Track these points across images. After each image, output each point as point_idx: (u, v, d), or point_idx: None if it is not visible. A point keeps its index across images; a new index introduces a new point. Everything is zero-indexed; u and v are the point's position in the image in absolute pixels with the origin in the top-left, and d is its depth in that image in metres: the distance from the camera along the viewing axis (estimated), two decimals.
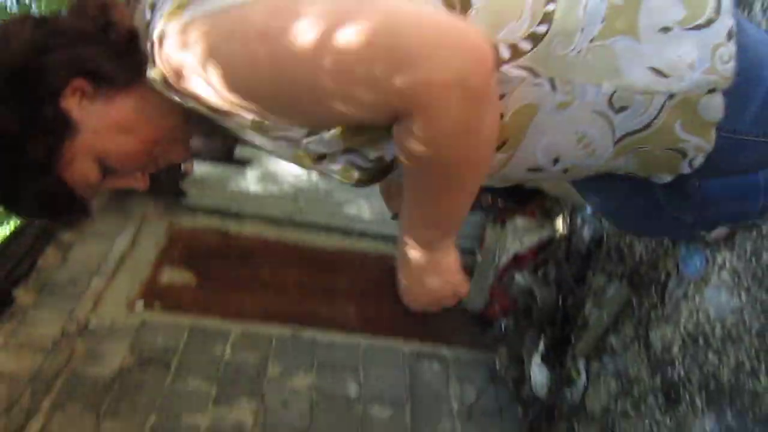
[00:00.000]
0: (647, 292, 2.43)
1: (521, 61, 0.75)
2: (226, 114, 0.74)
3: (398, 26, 0.61)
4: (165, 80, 0.73)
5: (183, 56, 0.68)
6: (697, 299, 2.13)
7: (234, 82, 0.67)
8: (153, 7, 0.73)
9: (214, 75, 0.67)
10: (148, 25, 0.73)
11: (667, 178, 0.88)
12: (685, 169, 0.85)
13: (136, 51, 0.76)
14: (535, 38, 0.74)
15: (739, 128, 0.81)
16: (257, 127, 0.74)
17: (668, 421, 2.19)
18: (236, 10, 0.65)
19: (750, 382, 1.84)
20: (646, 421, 2.30)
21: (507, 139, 0.80)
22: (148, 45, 0.73)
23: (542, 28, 0.74)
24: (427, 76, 0.60)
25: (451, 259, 0.87)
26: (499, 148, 0.82)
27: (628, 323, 2.52)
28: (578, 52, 0.74)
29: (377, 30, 0.61)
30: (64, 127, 0.76)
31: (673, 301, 2.26)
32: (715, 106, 0.78)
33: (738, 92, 0.77)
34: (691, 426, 2.03)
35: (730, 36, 0.76)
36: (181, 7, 0.68)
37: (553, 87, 0.76)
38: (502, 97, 0.75)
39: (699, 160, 0.83)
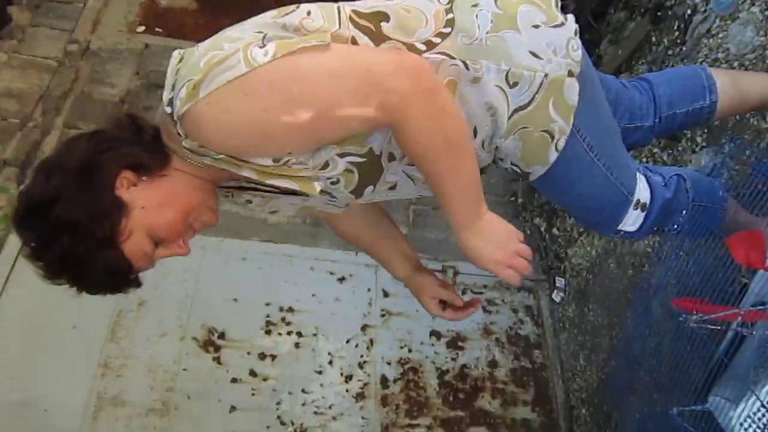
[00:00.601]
0: (669, 28, 2.31)
1: (436, 49, 1.02)
2: (247, 163, 0.95)
3: (363, 71, 0.92)
4: (199, 146, 0.92)
5: (210, 121, 0.90)
6: (720, 36, 2.02)
7: (256, 127, 0.91)
8: (171, 103, 0.92)
9: (240, 127, 0.91)
10: (172, 115, 0.92)
11: (541, 171, 1.15)
12: (553, 155, 1.12)
13: (162, 144, 1.01)
14: (442, 35, 1.03)
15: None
16: (272, 170, 0.96)
17: (665, 156, 2.24)
18: (244, 78, 0.88)
19: (755, 121, 1.85)
20: (644, 158, 2.36)
21: None
22: (178, 126, 0.92)
23: (447, 29, 1.03)
24: (395, 92, 0.91)
25: (494, 222, 1.08)
26: None
27: (642, 62, 2.45)
28: (480, 41, 1.04)
29: (355, 75, 0.92)
30: (119, 208, 0.97)
31: (693, 38, 2.16)
32: (573, 90, 1.08)
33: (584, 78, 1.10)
34: (687, 161, 2.09)
35: (576, 33, 1.10)
36: (195, 88, 0.88)
37: (466, 67, 1.03)
38: None
39: (561, 143, 1.11)
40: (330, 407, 2.45)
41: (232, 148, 0.93)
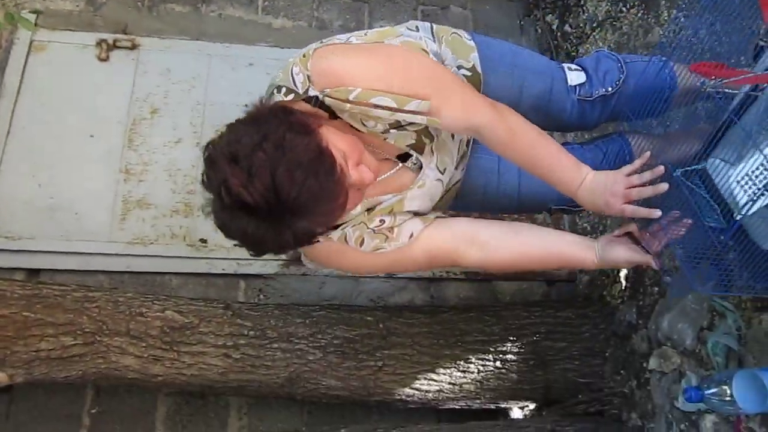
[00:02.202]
0: None
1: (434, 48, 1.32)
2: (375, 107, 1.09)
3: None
4: (332, 91, 1.07)
5: (334, 65, 1.09)
6: None
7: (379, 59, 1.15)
8: (289, 82, 1.11)
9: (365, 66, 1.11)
10: (296, 84, 1.10)
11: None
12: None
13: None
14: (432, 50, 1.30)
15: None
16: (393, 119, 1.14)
17: None
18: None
19: None
20: None
21: None
22: (309, 87, 1.09)
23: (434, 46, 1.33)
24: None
25: (595, 177, 1.20)
26: None
27: None
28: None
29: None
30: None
31: None
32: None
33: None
34: None
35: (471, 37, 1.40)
36: (305, 57, 1.12)
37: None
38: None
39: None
40: None
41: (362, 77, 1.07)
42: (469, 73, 1.34)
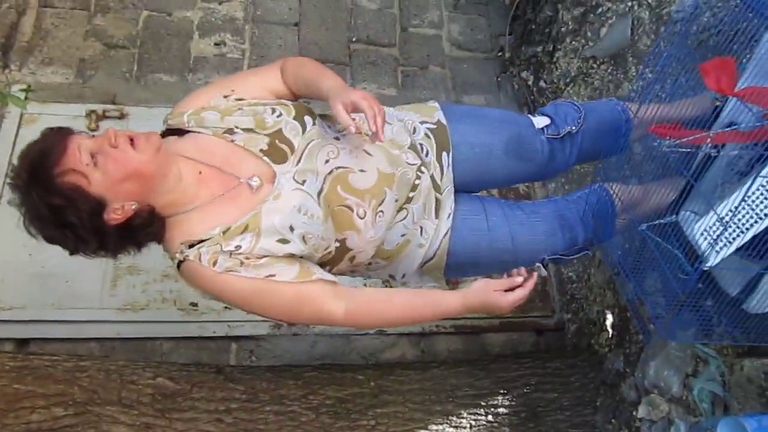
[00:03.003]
0: None
1: None
2: None
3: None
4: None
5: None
6: None
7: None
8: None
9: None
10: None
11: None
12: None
13: None
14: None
15: None
16: None
17: None
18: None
19: None
20: None
21: (391, 256, 1.44)
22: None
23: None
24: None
25: (473, 299, 1.28)
26: (386, 259, 1.44)
27: None
28: None
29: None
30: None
31: None
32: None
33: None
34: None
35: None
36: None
37: (421, 232, 1.44)
38: (403, 235, 1.42)
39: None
40: None
41: None
42: (434, 126, 1.44)
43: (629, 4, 2.40)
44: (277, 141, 1.26)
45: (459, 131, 1.46)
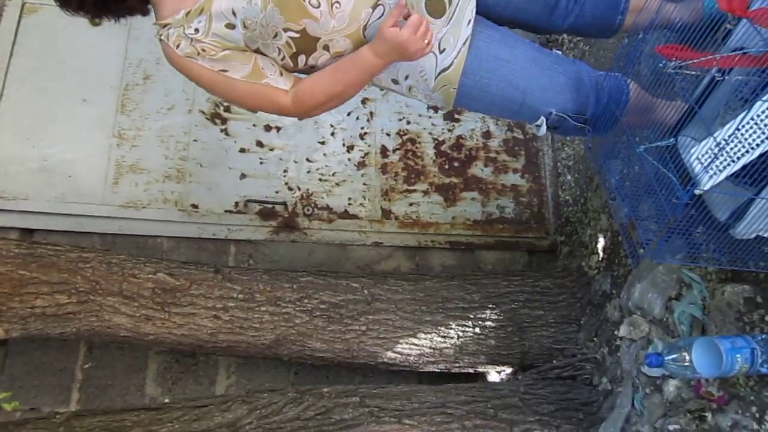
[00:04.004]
0: None
1: None
2: None
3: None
4: None
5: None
6: None
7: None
8: None
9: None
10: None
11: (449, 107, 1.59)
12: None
13: None
14: None
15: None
16: None
17: None
18: None
19: None
20: None
21: None
22: None
23: None
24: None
25: (370, 47, 1.34)
26: None
27: None
28: None
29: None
30: None
31: None
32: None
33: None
34: None
35: None
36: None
37: None
38: None
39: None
40: (333, 174, 2.63)
41: None
42: None
43: None
44: None
45: None
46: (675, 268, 1.84)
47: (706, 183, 1.13)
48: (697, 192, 1.17)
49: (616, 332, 2.07)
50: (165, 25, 1.33)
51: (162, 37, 1.34)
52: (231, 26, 1.31)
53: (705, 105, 1.20)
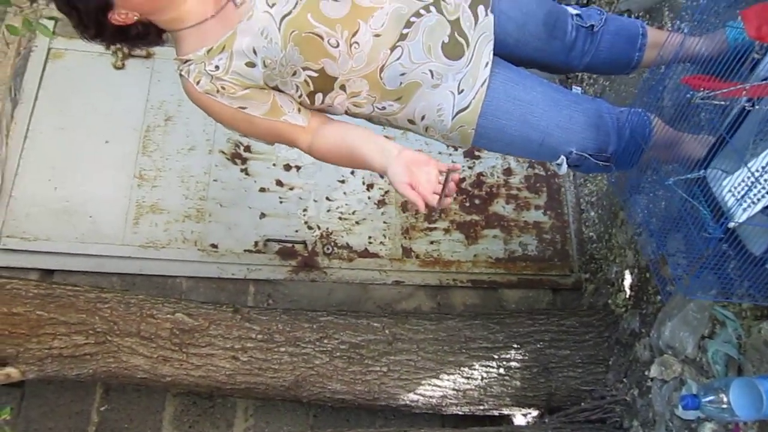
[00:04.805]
0: None
1: None
2: None
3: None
4: None
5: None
6: None
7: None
8: None
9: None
10: None
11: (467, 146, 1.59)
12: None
13: None
14: None
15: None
16: None
17: None
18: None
19: None
20: None
21: (401, 96, 1.43)
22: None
23: None
24: None
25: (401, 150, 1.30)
26: (397, 100, 1.44)
27: None
28: None
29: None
30: None
31: None
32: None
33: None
34: None
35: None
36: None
37: (432, 75, 1.40)
38: (403, 74, 1.40)
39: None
40: (353, 213, 2.61)
41: None
42: None
43: None
44: None
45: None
46: (707, 305, 1.77)
47: (741, 215, 1.09)
48: (731, 225, 1.13)
49: (646, 372, 1.99)
50: (186, 61, 1.34)
51: (183, 73, 1.35)
52: (251, 65, 1.32)
53: (735, 136, 1.17)
